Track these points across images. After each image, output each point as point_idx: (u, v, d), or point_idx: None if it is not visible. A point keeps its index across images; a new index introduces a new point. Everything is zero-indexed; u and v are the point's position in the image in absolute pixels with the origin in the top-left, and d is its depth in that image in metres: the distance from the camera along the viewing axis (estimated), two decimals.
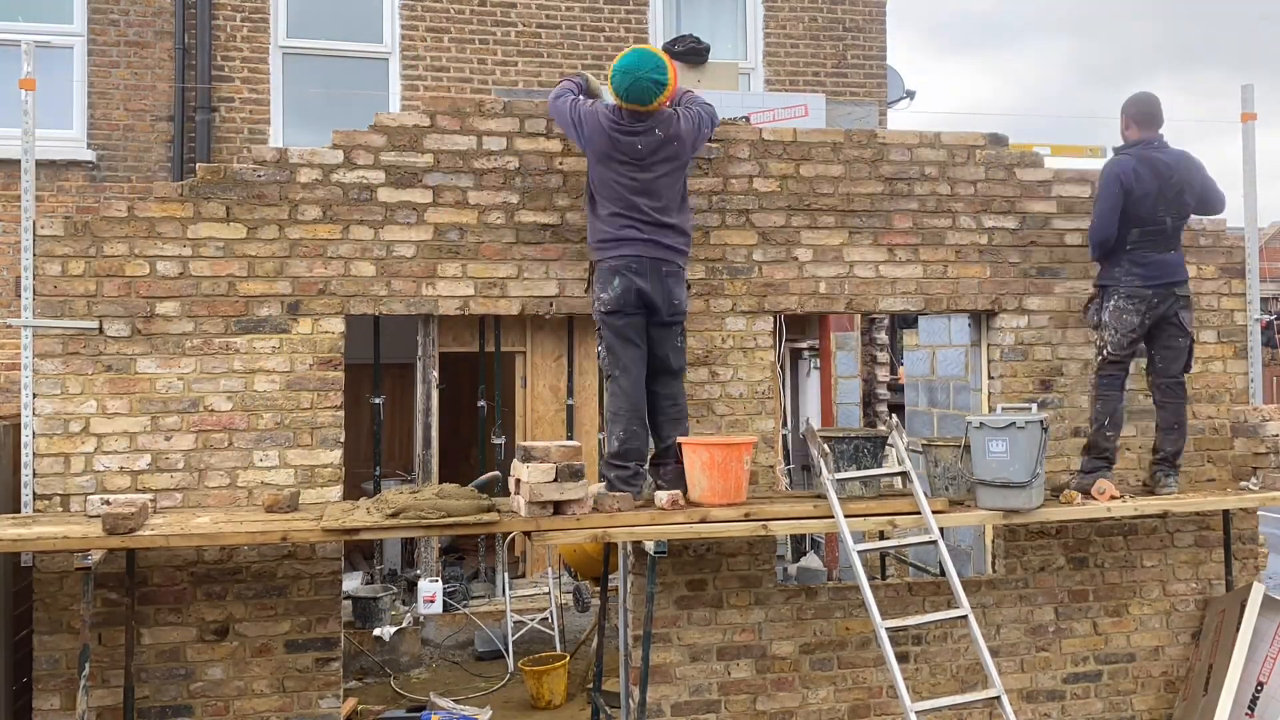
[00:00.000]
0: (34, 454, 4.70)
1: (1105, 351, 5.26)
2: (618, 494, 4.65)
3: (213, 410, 4.84)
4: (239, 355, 4.87)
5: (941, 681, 5.51)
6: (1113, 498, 5.17)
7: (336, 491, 4.95)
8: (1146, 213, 5.19)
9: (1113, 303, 5.24)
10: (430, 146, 5.11)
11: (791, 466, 5.64)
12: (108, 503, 4.32)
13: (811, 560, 8.87)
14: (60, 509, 4.70)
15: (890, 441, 5.12)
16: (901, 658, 5.34)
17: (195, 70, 8.68)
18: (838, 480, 4.80)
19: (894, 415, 5.08)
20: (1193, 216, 5.94)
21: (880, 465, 5.03)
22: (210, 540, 4.37)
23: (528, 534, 4.69)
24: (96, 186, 8.43)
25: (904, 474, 4.92)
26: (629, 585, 5.39)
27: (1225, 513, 5.79)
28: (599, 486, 4.81)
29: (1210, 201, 5.41)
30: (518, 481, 4.61)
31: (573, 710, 7.00)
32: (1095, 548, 5.75)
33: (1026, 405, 5.04)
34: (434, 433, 8.35)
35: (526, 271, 5.16)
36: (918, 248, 5.58)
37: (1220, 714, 5.26)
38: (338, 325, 4.99)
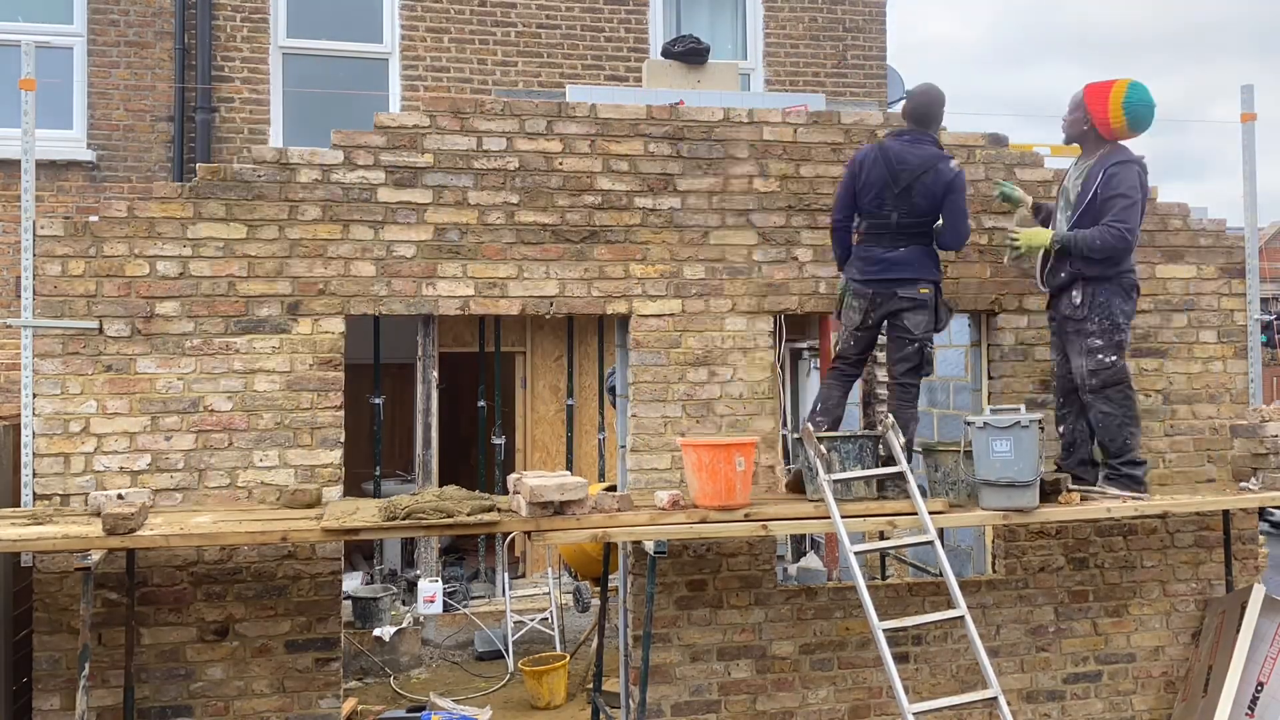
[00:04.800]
0: (34, 454, 4.70)
1: (835, 347, 5.26)
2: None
3: (213, 410, 4.84)
4: (239, 355, 4.87)
5: (941, 682, 5.51)
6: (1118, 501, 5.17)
7: (337, 491, 4.95)
8: (871, 205, 5.05)
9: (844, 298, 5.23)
10: (430, 146, 5.11)
11: (791, 466, 5.66)
12: (121, 496, 4.32)
13: (811, 560, 8.87)
14: (60, 509, 4.69)
15: (886, 441, 5.12)
16: (901, 658, 5.35)
17: (195, 70, 8.68)
18: (839, 481, 4.80)
19: (890, 415, 5.06)
20: (1193, 217, 5.97)
21: (878, 465, 5.02)
22: (210, 540, 4.37)
23: (528, 534, 4.69)
24: (96, 186, 8.43)
25: (900, 474, 4.92)
26: (629, 585, 5.39)
27: (1225, 513, 5.79)
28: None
29: (947, 221, 5.08)
30: (518, 481, 4.62)
31: (573, 710, 7.01)
32: (1095, 548, 5.75)
33: (1016, 406, 5.04)
34: (434, 433, 8.36)
35: (526, 271, 5.16)
36: None
37: (1220, 714, 5.26)
38: (338, 325, 4.99)
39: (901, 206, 5.00)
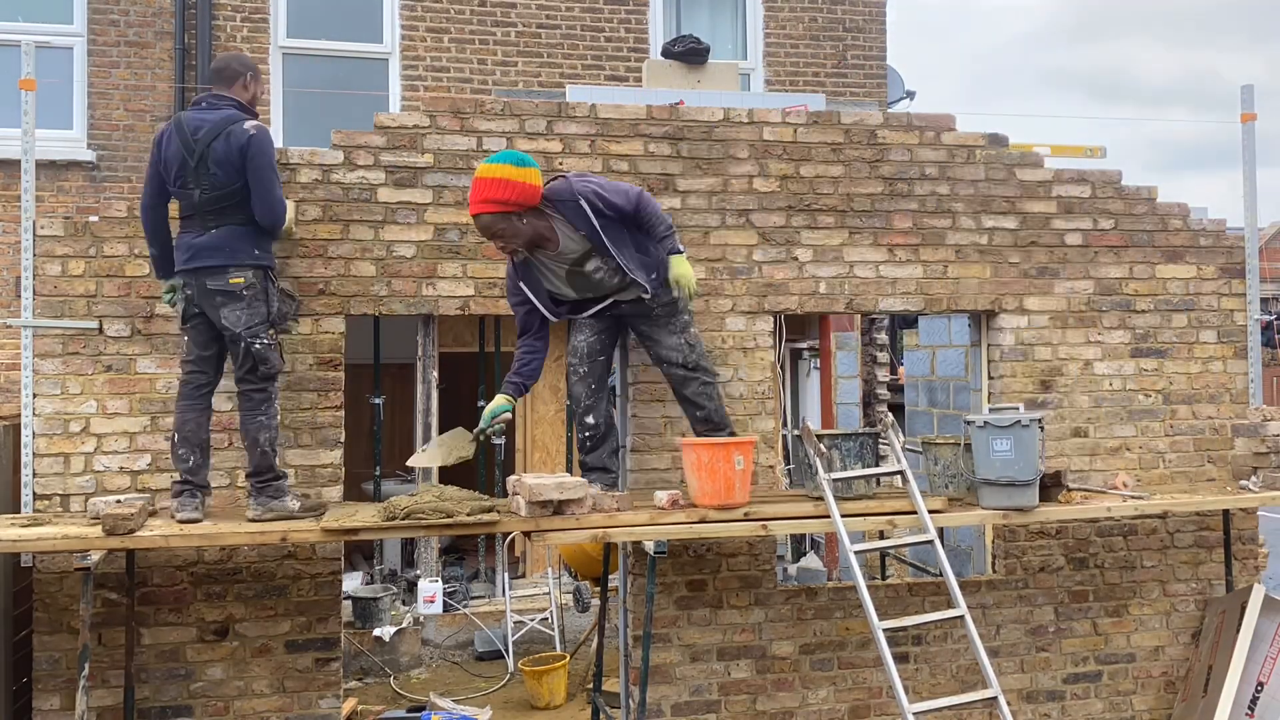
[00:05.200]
0: (34, 454, 4.70)
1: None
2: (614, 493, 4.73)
3: (213, 410, 4.83)
4: None
5: (942, 682, 5.51)
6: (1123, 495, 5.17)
7: (337, 492, 4.95)
8: (176, 183, 4.42)
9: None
10: (430, 146, 5.11)
11: (792, 466, 5.67)
12: (119, 502, 4.32)
13: (811, 560, 8.87)
14: (60, 509, 4.70)
15: (885, 439, 5.11)
16: (901, 658, 5.35)
17: (195, 70, 8.68)
18: (838, 480, 4.80)
19: (890, 414, 5.07)
20: (1193, 217, 5.97)
21: (878, 463, 5.03)
22: (210, 540, 4.37)
23: (528, 534, 4.69)
24: (96, 186, 8.44)
25: (900, 473, 4.92)
26: (629, 585, 5.39)
27: (1225, 513, 5.79)
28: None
29: (253, 192, 4.41)
30: (517, 482, 4.62)
31: (573, 710, 7.00)
32: (1095, 548, 5.75)
33: (1015, 405, 5.04)
34: (434, 433, 8.35)
35: None
36: (918, 248, 5.58)
37: (1220, 714, 5.26)
38: (338, 325, 4.99)
39: (203, 181, 4.37)
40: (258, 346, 4.45)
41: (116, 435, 4.77)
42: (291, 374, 4.92)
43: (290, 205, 4.73)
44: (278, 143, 8.71)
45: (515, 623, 8.03)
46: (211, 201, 4.39)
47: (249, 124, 4.44)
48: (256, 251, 4.47)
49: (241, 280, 4.40)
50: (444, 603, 8.00)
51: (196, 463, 4.49)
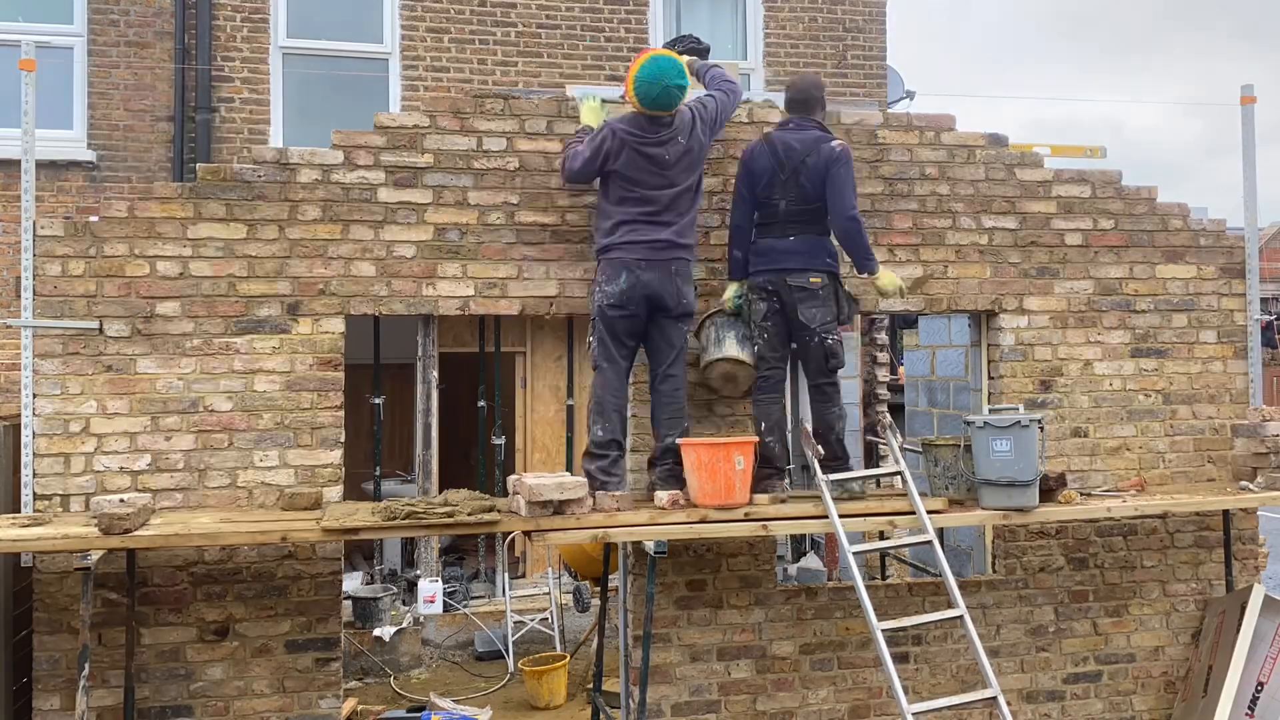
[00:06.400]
0: (34, 454, 4.70)
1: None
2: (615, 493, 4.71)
3: (213, 410, 4.84)
4: (239, 355, 4.87)
5: (942, 682, 5.51)
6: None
7: (337, 492, 4.95)
8: (761, 194, 5.02)
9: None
10: (430, 146, 5.11)
11: (792, 466, 5.69)
12: (124, 502, 4.32)
13: (811, 560, 8.86)
14: (60, 509, 4.70)
15: (885, 441, 5.12)
16: (901, 658, 5.35)
17: (195, 71, 8.67)
18: (837, 481, 4.80)
19: (888, 414, 5.07)
20: (1193, 217, 5.97)
21: (877, 463, 5.03)
22: (210, 540, 4.37)
23: (528, 534, 4.69)
24: (96, 186, 8.43)
25: (899, 474, 4.92)
26: (629, 585, 5.39)
27: (1225, 513, 5.79)
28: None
29: (832, 200, 4.94)
30: (517, 482, 4.62)
31: (573, 710, 7.00)
32: (1095, 548, 5.75)
33: (1015, 406, 5.04)
34: (434, 433, 8.35)
35: (526, 271, 5.16)
36: (918, 248, 5.58)
37: (1220, 714, 5.26)
38: (338, 325, 4.99)
39: (789, 193, 4.98)
40: (830, 341, 4.97)
41: (117, 435, 4.77)
42: (291, 374, 4.92)
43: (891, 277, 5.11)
44: (276, 142, 8.73)
45: (515, 623, 8.03)
46: (796, 213, 4.96)
47: (836, 143, 5.00)
48: (828, 259, 5.01)
49: (817, 281, 4.95)
50: (444, 603, 8.00)
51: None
